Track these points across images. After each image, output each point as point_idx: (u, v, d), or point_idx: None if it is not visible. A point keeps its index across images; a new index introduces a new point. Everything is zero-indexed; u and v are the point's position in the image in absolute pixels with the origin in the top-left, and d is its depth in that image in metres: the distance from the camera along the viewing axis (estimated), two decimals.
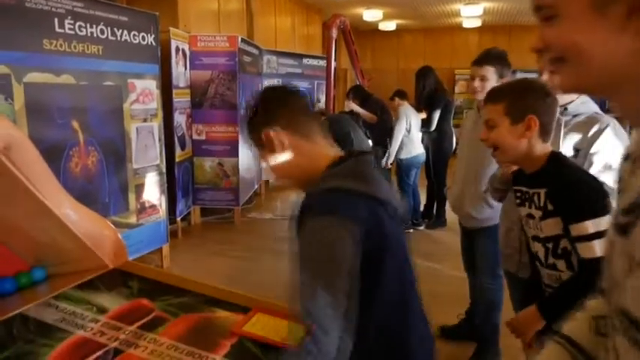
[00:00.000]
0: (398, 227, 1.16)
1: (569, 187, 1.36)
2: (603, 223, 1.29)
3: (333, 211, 1.00)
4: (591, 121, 1.78)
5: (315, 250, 0.98)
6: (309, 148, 1.17)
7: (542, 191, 1.43)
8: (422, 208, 5.66)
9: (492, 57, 2.42)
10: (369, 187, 1.07)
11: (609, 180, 1.64)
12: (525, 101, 1.42)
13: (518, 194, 1.55)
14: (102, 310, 1.05)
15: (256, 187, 6.66)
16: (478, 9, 9.36)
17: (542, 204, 1.42)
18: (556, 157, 1.45)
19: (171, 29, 4.77)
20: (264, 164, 1.22)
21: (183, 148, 5.15)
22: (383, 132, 5.53)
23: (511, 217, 1.85)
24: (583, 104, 1.84)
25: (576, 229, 1.33)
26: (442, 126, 5.32)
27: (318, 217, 1.00)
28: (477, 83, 2.39)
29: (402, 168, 5.42)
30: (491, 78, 2.37)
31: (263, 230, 5.58)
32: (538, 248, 1.49)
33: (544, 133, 1.43)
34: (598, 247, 1.28)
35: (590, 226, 1.30)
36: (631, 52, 0.59)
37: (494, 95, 1.50)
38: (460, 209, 2.57)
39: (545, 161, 1.44)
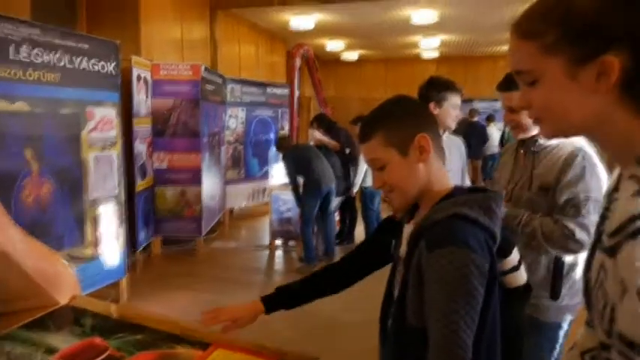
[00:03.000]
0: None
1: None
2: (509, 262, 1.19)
3: (463, 243, 1.00)
4: (566, 152, 1.71)
5: (453, 281, 0.99)
6: (438, 167, 1.16)
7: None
8: None
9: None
10: (493, 223, 1.07)
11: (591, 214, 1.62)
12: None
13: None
14: (51, 351, 0.98)
15: (220, 215, 6.56)
16: (435, 41, 9.72)
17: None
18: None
19: (133, 57, 4.72)
20: (381, 173, 1.15)
21: (143, 177, 5.04)
22: (347, 160, 5.58)
23: None
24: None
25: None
26: None
27: (446, 247, 1.01)
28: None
29: (367, 195, 5.47)
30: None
31: (227, 261, 5.46)
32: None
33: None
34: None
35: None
36: (602, 108, 0.68)
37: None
38: None
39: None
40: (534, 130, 1.80)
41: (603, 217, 0.72)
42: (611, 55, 0.64)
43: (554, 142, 1.78)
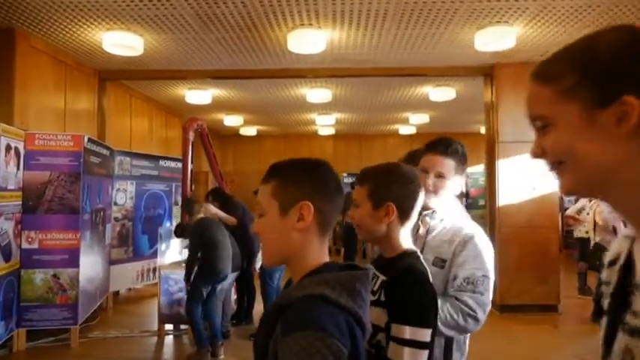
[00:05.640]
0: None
1: (404, 285, 1.34)
2: (423, 334, 1.27)
3: (318, 327, 0.91)
4: (457, 231, 1.77)
5: None
6: (318, 240, 1.09)
7: (381, 278, 1.41)
8: None
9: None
10: (357, 305, 1.00)
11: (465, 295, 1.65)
12: (387, 188, 1.42)
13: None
14: None
15: (102, 300, 5.89)
16: (330, 119, 10.20)
17: (375, 288, 1.39)
18: (409, 254, 1.44)
19: (1, 125, 4.27)
20: (260, 219, 1.11)
21: (7, 259, 4.39)
22: (244, 235, 5.35)
23: None
24: (449, 209, 1.84)
25: (395, 330, 1.29)
26: None
27: (302, 330, 0.91)
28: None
29: (266, 272, 5.26)
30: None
31: (107, 353, 4.81)
32: None
33: (403, 218, 1.43)
34: (407, 355, 1.25)
35: (408, 331, 1.26)
36: (622, 156, 0.65)
37: (361, 177, 1.50)
38: None
39: (398, 253, 1.43)
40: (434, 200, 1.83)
41: (622, 293, 0.66)
42: (632, 97, 0.64)
43: (447, 223, 1.83)
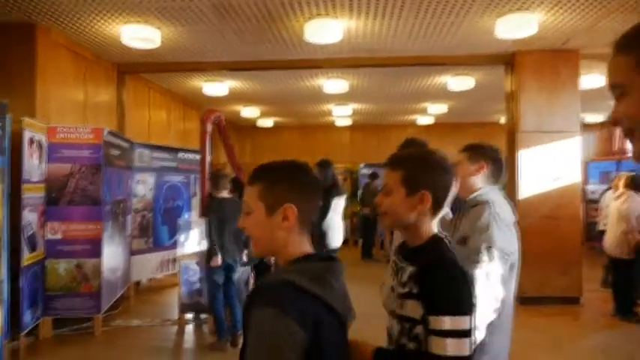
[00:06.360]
0: (344, 338, 1.25)
1: (436, 275, 1.30)
2: (462, 322, 1.24)
3: (278, 306, 1.06)
4: (480, 208, 1.89)
5: (258, 341, 1.06)
6: (299, 233, 1.23)
7: (410, 269, 1.35)
8: None
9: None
10: (327, 293, 1.13)
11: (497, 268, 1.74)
12: (423, 175, 1.38)
13: (393, 264, 1.47)
14: None
15: (124, 290, 6.00)
16: (347, 109, 10.15)
17: (404, 280, 1.35)
18: (439, 240, 1.39)
19: (25, 119, 4.36)
20: (246, 217, 1.25)
21: (33, 249, 4.50)
22: None
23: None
24: (481, 195, 1.99)
25: (434, 322, 1.26)
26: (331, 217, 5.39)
27: (264, 307, 1.07)
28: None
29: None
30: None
31: (129, 341, 4.91)
32: (393, 324, 1.39)
33: (436, 208, 1.39)
34: (450, 346, 1.23)
35: (448, 322, 1.23)
36: None
37: (395, 161, 1.44)
38: None
39: (426, 240, 1.39)
40: None
41: None
42: None
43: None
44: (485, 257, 1.81)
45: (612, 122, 0.80)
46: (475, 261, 1.80)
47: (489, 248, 1.83)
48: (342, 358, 1.24)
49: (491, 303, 1.79)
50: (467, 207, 2.04)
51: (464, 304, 1.27)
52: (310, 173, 1.27)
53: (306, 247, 1.24)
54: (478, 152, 2.11)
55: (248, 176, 1.30)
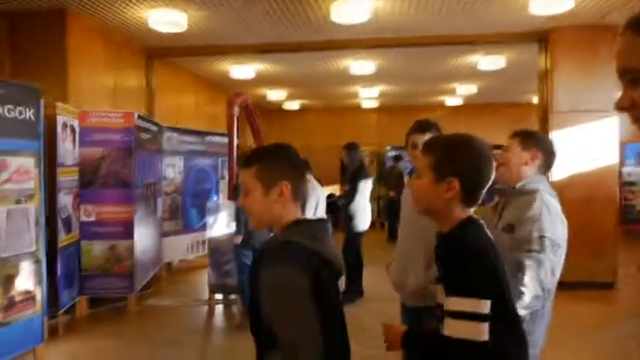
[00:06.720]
0: (337, 287, 1.42)
1: (451, 257, 1.28)
2: (478, 305, 1.19)
3: (285, 262, 1.25)
4: (530, 197, 1.87)
5: (275, 295, 1.25)
6: (293, 205, 1.39)
7: (438, 254, 1.35)
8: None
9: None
10: (322, 246, 1.31)
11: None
12: (452, 161, 1.32)
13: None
14: None
15: (156, 270, 6.16)
16: (374, 91, 10.03)
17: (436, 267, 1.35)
18: (468, 223, 1.33)
19: (58, 104, 4.47)
20: (245, 197, 1.40)
21: (68, 231, 4.65)
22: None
23: None
24: (530, 184, 1.94)
25: (448, 303, 1.23)
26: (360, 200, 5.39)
27: (273, 264, 1.26)
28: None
29: None
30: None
31: (161, 319, 5.06)
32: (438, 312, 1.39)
33: (467, 197, 1.32)
34: (462, 329, 1.19)
35: (461, 303, 1.20)
36: None
37: (428, 146, 1.40)
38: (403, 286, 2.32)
39: (456, 224, 1.33)
40: None
41: None
42: None
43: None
44: (536, 246, 1.79)
45: (618, 107, 0.73)
46: (526, 250, 1.78)
47: (542, 237, 1.80)
48: (337, 305, 1.38)
49: (539, 292, 1.77)
50: (513, 194, 1.99)
51: (480, 287, 1.22)
52: (296, 152, 1.43)
53: (298, 214, 1.40)
54: (532, 140, 2.03)
55: (243, 160, 1.45)
